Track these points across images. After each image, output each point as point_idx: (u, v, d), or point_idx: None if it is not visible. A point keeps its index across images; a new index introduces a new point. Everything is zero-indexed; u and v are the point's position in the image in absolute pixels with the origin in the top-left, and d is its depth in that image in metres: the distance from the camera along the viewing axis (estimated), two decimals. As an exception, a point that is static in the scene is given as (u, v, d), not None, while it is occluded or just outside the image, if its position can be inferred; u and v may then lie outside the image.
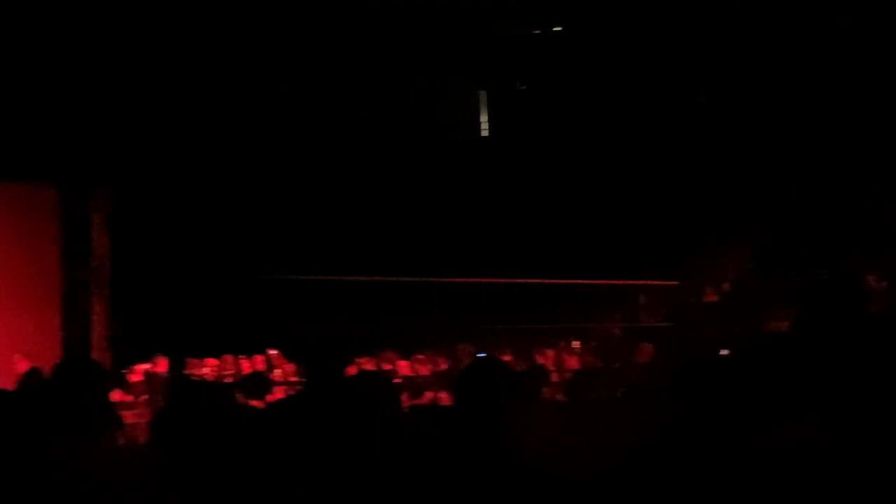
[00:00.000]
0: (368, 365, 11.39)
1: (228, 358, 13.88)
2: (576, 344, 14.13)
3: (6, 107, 13.94)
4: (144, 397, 11.98)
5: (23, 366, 11.26)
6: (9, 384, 10.36)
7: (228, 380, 12.05)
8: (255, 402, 8.08)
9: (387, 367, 12.20)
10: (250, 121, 16.22)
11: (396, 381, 11.43)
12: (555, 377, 11.29)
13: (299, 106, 16.48)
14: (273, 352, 14.06)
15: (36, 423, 3.15)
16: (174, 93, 15.22)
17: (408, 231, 16.91)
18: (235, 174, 16.28)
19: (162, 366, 13.27)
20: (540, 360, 12.36)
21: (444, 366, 12.45)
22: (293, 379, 12.69)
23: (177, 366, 13.01)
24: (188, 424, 3.82)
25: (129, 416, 10.04)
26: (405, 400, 9.95)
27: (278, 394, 11.12)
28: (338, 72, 16.07)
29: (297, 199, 16.62)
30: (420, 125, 17.91)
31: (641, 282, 17.46)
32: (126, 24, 13.56)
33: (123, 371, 12.88)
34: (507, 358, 11.58)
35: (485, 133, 19.16)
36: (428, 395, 11.12)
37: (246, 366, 13.74)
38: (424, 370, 12.00)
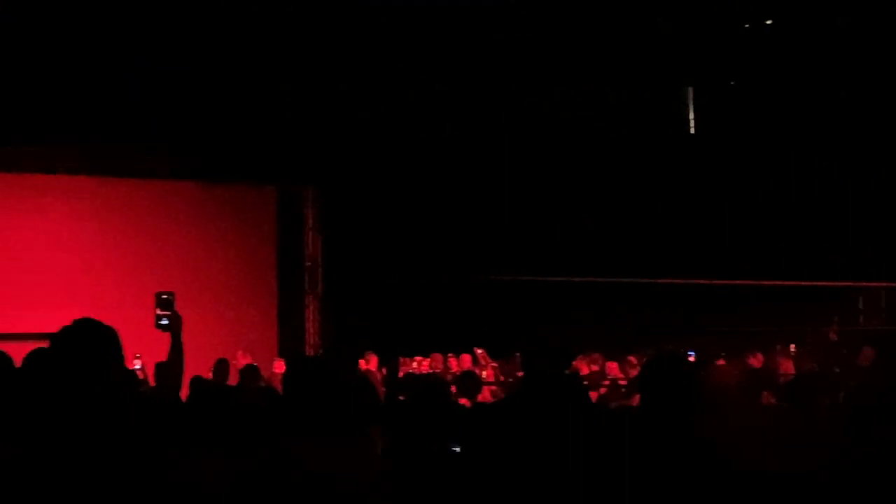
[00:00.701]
0: (579, 366, 11.34)
1: (437, 356, 14.11)
2: (792, 347, 13.67)
3: (226, 112, 14.51)
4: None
5: (245, 362, 11.73)
6: (232, 379, 10.86)
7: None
8: (463, 401, 8.16)
9: (595, 368, 12.12)
10: (461, 119, 16.34)
11: (605, 382, 11.35)
12: (769, 381, 10.94)
13: (507, 104, 16.50)
14: (479, 350, 14.20)
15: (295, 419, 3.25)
16: (380, 97, 15.50)
17: (619, 231, 16.72)
18: (444, 175, 16.46)
19: (373, 363, 13.58)
20: (753, 363, 12.01)
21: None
22: (501, 378, 12.77)
23: (388, 363, 13.28)
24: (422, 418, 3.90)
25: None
26: (615, 401, 9.85)
27: (485, 392, 11.21)
28: (551, 73, 16.01)
29: (507, 198, 16.68)
30: (627, 124, 17.67)
31: (861, 283, 16.77)
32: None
33: (336, 368, 13.18)
34: (720, 361, 11.33)
35: (693, 131, 18.78)
36: (637, 397, 10.96)
37: (453, 364, 13.93)
38: (635, 372, 11.84)
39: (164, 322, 4.62)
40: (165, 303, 4.67)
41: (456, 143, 16.26)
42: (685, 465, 3.84)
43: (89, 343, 3.26)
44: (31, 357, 4.23)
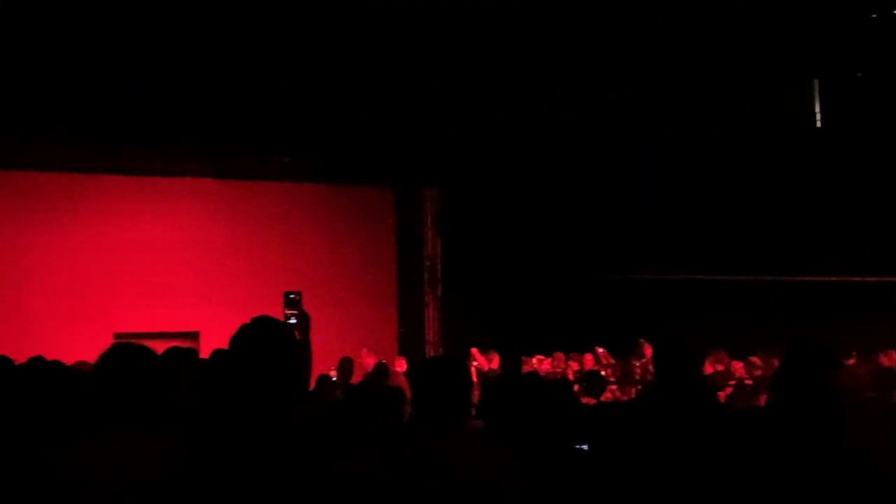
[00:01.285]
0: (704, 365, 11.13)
1: (559, 355, 14.04)
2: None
3: (346, 115, 14.67)
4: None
5: (370, 360, 11.83)
6: (357, 377, 10.98)
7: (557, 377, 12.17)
8: (587, 400, 8.10)
9: (720, 367, 11.90)
10: (570, 120, 16.19)
11: (731, 382, 11.14)
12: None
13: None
14: (601, 350, 14.09)
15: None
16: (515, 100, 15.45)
17: (744, 228, 16.35)
18: (560, 173, 16.35)
19: (495, 361, 13.60)
20: (885, 361, 11.64)
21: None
22: (625, 377, 12.67)
23: (510, 362, 13.27)
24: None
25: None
26: (742, 401, 9.67)
27: (607, 392, 11.11)
28: (678, 67, 15.76)
29: (626, 197, 16.48)
30: (752, 117, 17.27)
31: None
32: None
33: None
34: (850, 360, 11.02)
35: (819, 124, 18.26)
36: (763, 397, 10.71)
37: (575, 363, 13.85)
38: (759, 372, 11.60)
39: (293, 321, 4.69)
40: (293, 302, 4.75)
41: (566, 141, 16.09)
42: (816, 468, 3.75)
43: (270, 342, 3.28)
44: (173, 354, 4.34)
